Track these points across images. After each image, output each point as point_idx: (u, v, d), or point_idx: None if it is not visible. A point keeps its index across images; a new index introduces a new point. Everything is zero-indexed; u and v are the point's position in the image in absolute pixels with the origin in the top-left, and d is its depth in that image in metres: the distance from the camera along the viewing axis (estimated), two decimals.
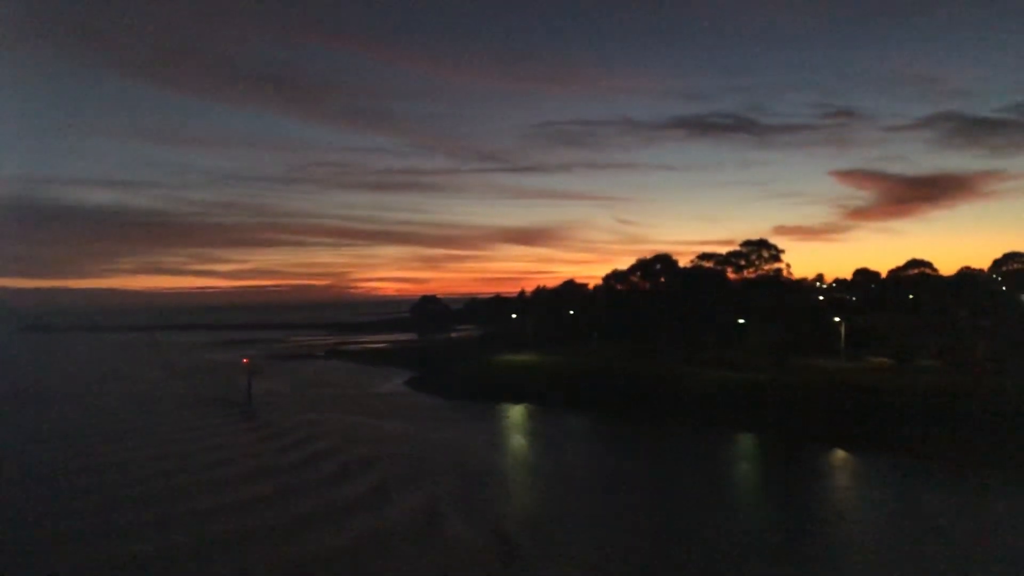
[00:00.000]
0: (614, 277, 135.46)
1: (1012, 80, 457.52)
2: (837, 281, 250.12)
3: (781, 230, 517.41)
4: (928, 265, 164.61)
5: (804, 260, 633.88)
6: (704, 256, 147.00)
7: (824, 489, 54.19)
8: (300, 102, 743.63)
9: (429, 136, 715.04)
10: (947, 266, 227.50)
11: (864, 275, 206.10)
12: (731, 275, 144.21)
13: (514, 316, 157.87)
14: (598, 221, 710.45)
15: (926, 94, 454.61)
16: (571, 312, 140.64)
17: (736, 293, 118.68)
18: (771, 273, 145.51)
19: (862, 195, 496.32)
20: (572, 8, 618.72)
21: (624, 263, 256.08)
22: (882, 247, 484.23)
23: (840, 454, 64.06)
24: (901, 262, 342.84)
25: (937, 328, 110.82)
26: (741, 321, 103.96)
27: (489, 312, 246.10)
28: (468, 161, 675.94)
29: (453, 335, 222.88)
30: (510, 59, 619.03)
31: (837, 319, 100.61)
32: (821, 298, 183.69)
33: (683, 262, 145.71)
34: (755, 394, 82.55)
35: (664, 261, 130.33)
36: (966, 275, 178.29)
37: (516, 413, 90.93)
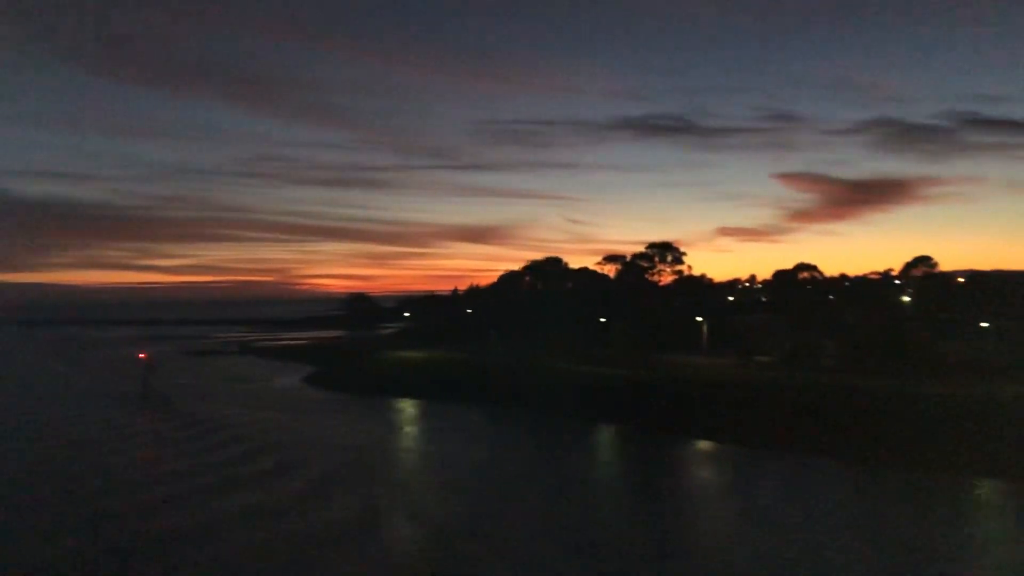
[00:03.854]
0: (510, 277, 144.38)
1: (945, 89, 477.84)
2: (764, 282, 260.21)
3: (725, 231, 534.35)
4: (815, 269, 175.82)
5: (748, 260, 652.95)
6: (609, 258, 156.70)
7: (680, 477, 62.10)
8: (247, 95, 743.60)
9: (377, 132, 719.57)
10: (884, 268, 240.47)
11: (781, 276, 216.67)
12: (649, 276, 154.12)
13: (407, 315, 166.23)
14: (548, 220, 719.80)
15: (864, 100, 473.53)
16: (469, 311, 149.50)
17: (615, 293, 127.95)
18: (675, 274, 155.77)
19: (804, 197, 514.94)
20: (521, 8, 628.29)
21: (574, 262, 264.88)
22: (823, 248, 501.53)
23: (698, 443, 72.46)
24: (841, 262, 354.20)
25: (798, 328, 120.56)
26: (603, 320, 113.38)
27: (422, 310, 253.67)
28: (416, 158, 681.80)
29: (382, 332, 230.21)
30: (459, 56, 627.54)
31: (699, 319, 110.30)
32: (731, 298, 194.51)
33: None
34: (618, 388, 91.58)
35: (554, 263, 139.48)
36: (860, 279, 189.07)
37: (390, 405, 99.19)
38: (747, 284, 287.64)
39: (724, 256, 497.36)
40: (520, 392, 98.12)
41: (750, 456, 66.84)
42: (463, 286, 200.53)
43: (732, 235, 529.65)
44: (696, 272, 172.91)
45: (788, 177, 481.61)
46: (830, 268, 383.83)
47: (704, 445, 71.74)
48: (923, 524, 46.48)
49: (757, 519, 48.17)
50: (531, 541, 43.27)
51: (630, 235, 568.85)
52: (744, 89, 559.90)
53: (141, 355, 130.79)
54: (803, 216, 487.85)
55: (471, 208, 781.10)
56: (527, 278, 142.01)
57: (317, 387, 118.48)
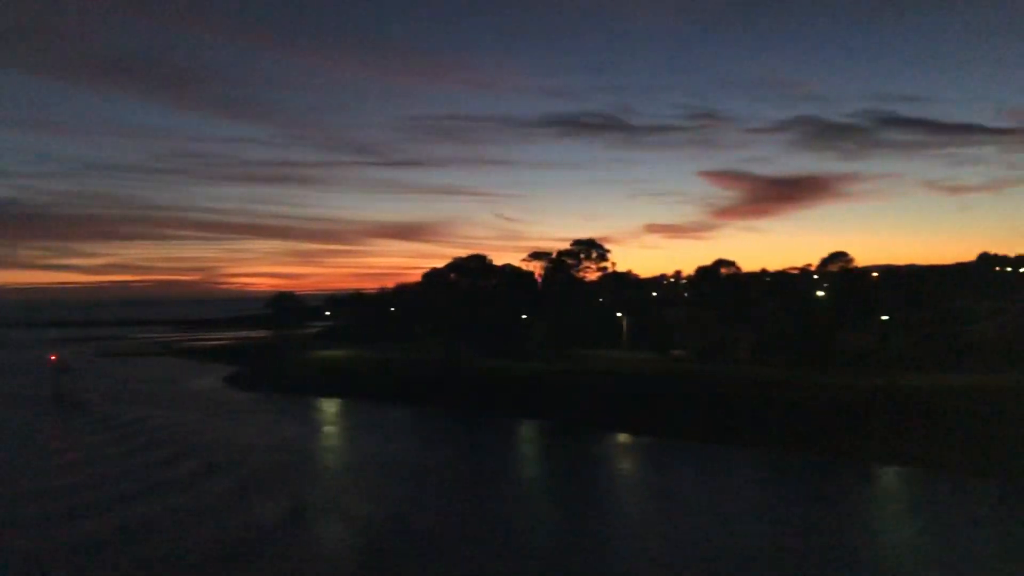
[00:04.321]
0: (434, 275, 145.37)
1: (863, 88, 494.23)
2: (688, 278, 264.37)
3: (653, 227, 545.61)
4: (734, 264, 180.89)
5: (675, 256, 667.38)
6: (535, 255, 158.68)
7: (606, 469, 64.48)
8: (168, 89, 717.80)
9: (302, 127, 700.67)
10: (804, 263, 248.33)
11: (704, 272, 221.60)
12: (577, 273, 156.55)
13: (327, 314, 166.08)
14: (478, 217, 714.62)
15: (785, 99, 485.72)
16: (392, 309, 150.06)
17: (539, 290, 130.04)
18: (600, 271, 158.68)
19: (728, 194, 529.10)
20: (449, 4, 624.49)
21: (504, 259, 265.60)
22: (747, 244, 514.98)
23: (618, 436, 74.80)
24: (764, 258, 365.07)
25: (717, 323, 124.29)
26: (524, 317, 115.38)
27: (348, 308, 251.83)
28: (343, 154, 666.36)
29: (307, 332, 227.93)
30: (385, 52, 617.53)
31: (619, 315, 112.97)
32: (655, 294, 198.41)
33: None
34: (539, 384, 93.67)
35: (478, 260, 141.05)
36: (780, 274, 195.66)
37: (313, 405, 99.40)
38: (673, 280, 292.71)
39: (652, 252, 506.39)
40: (444, 390, 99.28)
41: (666, 447, 69.66)
42: (392, 284, 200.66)
43: (660, 232, 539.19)
44: (625, 268, 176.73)
45: (713, 175, 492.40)
46: (754, 263, 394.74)
47: (623, 438, 74.06)
48: (823, 507, 49.58)
49: (671, 506, 50.95)
50: (460, 536, 44.53)
51: (561, 232, 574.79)
52: (670, 88, 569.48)
53: (52, 356, 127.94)
54: (728, 213, 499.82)
55: (400, 205, 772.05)
56: (451, 276, 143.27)
57: (240, 388, 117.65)
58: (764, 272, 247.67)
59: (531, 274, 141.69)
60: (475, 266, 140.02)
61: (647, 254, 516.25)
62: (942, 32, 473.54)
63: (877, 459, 60.81)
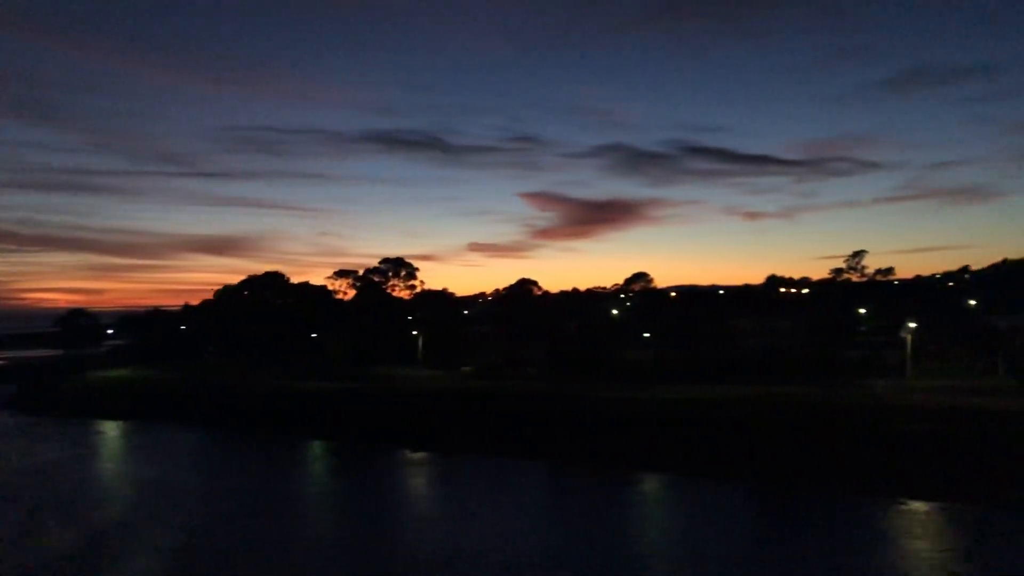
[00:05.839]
0: (227, 292, 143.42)
1: (668, 118, 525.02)
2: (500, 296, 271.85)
3: (475, 246, 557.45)
4: (536, 284, 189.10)
5: (496, 275, 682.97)
6: (340, 273, 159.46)
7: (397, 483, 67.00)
8: None
9: (104, 134, 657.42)
10: (612, 283, 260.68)
11: (509, 291, 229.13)
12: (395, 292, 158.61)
13: (109, 332, 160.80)
14: (294, 232, 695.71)
15: (599, 125, 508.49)
16: (183, 327, 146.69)
17: (337, 308, 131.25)
18: (409, 289, 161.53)
19: (547, 216, 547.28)
20: (262, 12, 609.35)
21: (321, 275, 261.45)
22: (564, 264, 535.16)
23: (408, 453, 76.90)
24: (579, 278, 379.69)
25: (515, 340, 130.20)
26: (314, 335, 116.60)
27: (144, 326, 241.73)
28: (148, 163, 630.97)
29: (99, 351, 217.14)
30: (195, 58, 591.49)
31: (415, 333, 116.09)
32: (466, 312, 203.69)
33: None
34: (327, 402, 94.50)
35: (275, 278, 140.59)
36: (586, 293, 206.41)
37: (92, 428, 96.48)
38: (491, 298, 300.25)
39: (475, 270, 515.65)
40: (230, 410, 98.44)
41: (440, 461, 73.04)
42: (200, 300, 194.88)
43: (482, 251, 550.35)
44: (446, 286, 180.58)
45: (532, 196, 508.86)
46: (569, 283, 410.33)
47: (402, 454, 76.50)
48: (589, 512, 54.68)
49: (459, 517, 54.37)
50: (263, 555, 45.89)
51: (382, 249, 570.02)
52: (490, 110, 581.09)
53: None
54: (547, 233, 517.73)
55: (210, 218, 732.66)
56: (245, 293, 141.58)
57: (15, 411, 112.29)
58: (576, 291, 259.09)
59: (331, 292, 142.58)
60: (270, 283, 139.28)
61: (469, 272, 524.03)
62: (743, 68, 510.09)
63: (642, 467, 65.97)
